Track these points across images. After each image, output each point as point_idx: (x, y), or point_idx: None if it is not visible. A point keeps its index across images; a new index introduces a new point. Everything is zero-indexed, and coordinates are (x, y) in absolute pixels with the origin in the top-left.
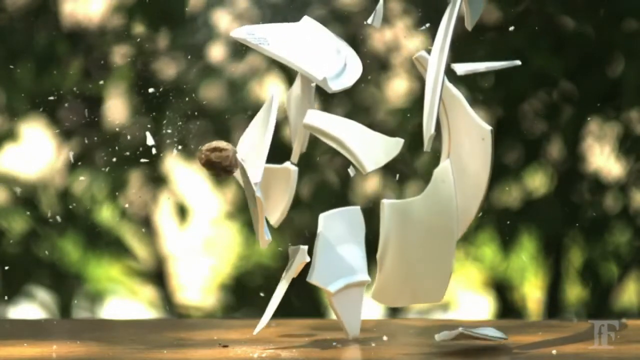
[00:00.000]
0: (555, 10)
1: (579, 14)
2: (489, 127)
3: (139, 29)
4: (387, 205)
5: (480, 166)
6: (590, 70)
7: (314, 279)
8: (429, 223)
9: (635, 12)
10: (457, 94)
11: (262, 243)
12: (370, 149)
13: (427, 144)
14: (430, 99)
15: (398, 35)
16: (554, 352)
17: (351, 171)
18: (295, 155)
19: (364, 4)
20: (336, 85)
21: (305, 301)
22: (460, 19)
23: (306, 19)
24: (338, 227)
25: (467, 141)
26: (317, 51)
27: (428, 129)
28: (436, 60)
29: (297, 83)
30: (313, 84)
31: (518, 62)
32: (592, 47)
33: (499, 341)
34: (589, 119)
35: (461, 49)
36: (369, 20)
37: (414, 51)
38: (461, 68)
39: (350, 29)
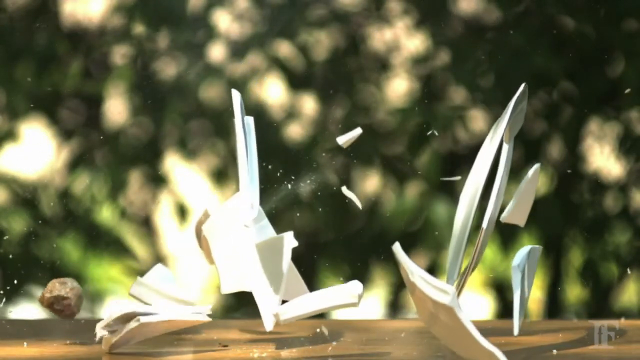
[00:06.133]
0: (555, 10)
1: (579, 14)
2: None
3: (139, 29)
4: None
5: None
6: (590, 70)
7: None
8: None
9: (635, 12)
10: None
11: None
12: (343, 291)
13: (450, 301)
14: (455, 249)
15: (398, 35)
16: (554, 352)
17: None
18: None
19: (364, 4)
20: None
21: None
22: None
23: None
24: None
25: None
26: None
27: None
28: (465, 206)
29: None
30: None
31: (537, 165)
32: (592, 47)
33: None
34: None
35: (461, 49)
36: (342, 140)
37: (414, 51)
38: (504, 216)
39: (350, 29)
